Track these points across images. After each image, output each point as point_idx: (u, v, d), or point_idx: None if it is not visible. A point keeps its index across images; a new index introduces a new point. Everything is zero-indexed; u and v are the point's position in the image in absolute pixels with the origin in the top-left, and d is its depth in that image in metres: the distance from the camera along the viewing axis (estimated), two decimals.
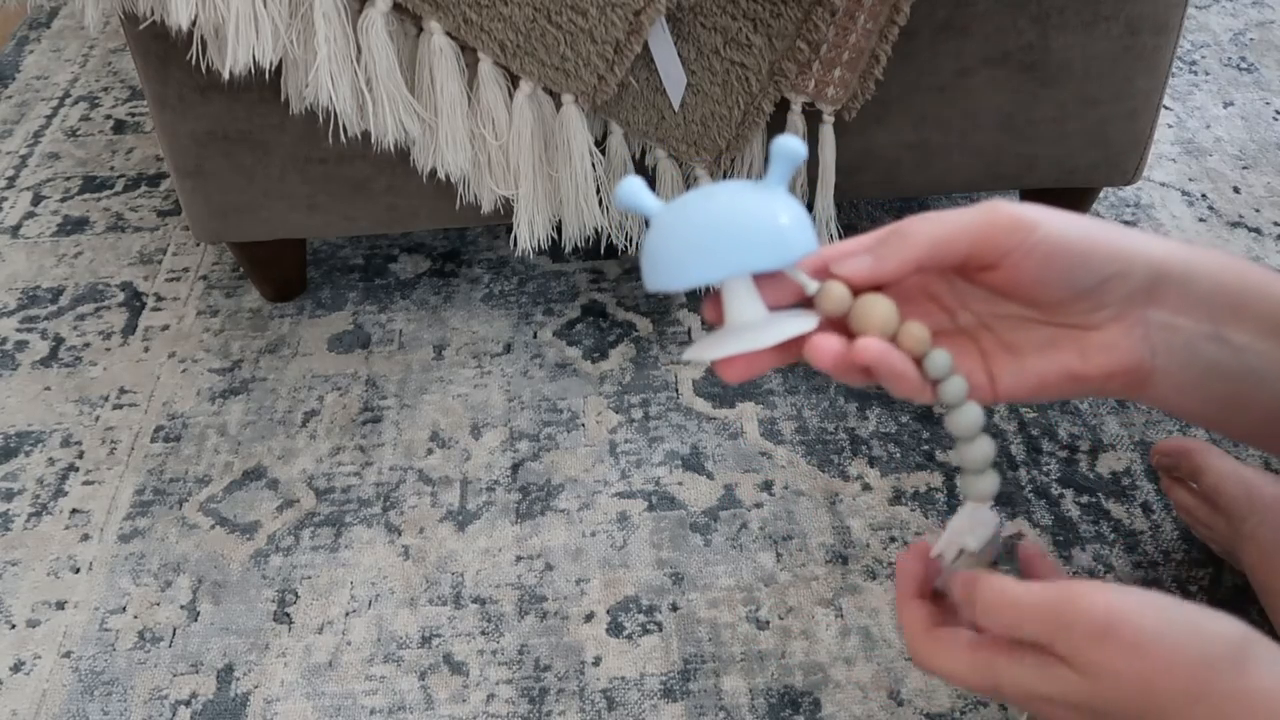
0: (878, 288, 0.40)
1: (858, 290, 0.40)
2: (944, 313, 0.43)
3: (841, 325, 0.40)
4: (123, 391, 0.95)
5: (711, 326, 0.42)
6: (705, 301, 0.41)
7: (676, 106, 0.82)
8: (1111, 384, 0.41)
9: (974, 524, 0.42)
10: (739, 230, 0.38)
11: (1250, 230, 1.08)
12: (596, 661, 0.74)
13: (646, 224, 0.43)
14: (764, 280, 0.40)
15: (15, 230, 1.14)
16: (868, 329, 0.39)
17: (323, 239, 1.10)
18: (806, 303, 0.41)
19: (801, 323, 0.39)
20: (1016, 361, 0.42)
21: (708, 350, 0.40)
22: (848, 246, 0.40)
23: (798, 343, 0.39)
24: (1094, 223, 0.39)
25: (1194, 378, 0.40)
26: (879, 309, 0.39)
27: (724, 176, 0.88)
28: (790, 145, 0.39)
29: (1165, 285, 0.39)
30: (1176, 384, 0.41)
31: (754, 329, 0.39)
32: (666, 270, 0.39)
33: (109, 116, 1.30)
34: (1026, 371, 0.41)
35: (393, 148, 0.81)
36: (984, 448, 0.41)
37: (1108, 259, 0.39)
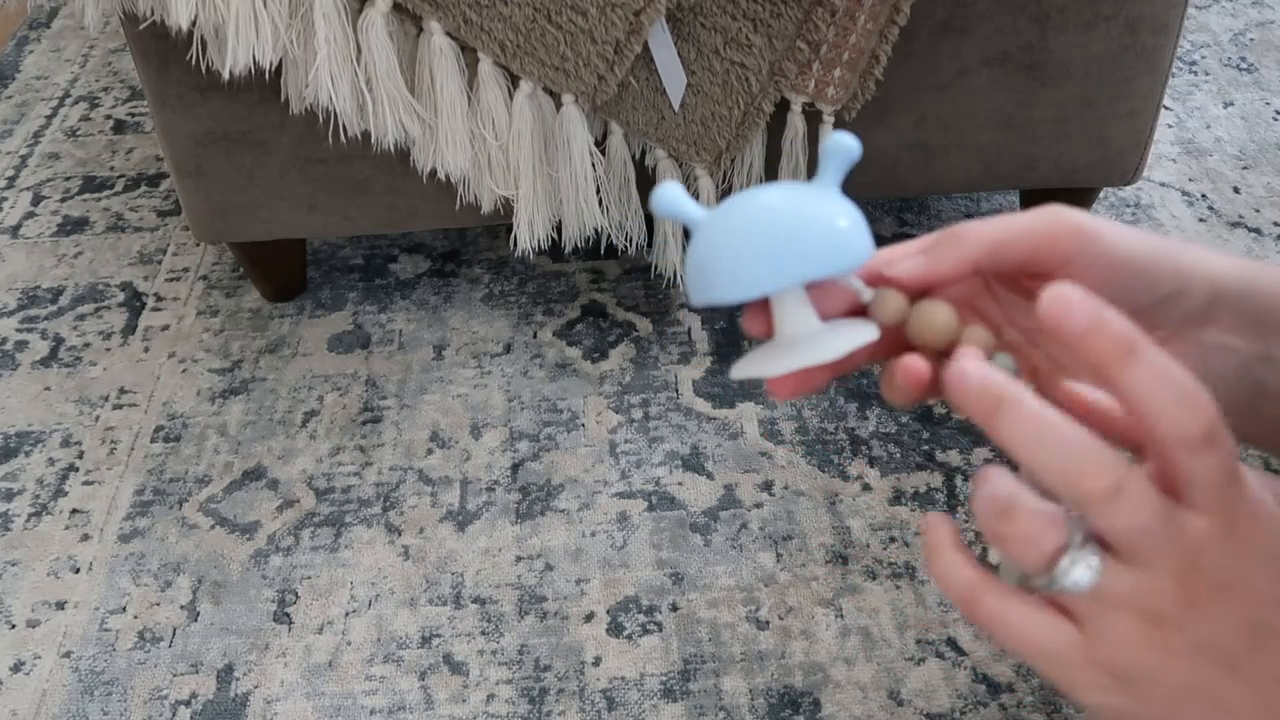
0: (926, 292, 0.39)
1: (912, 294, 0.38)
2: (990, 328, 0.41)
3: (897, 333, 0.38)
4: (123, 391, 0.95)
5: (757, 340, 0.39)
6: (747, 313, 0.39)
7: (676, 106, 0.82)
8: None
9: None
10: (796, 236, 0.35)
11: (1250, 230, 1.08)
12: (596, 661, 0.74)
13: (686, 233, 0.41)
14: (812, 288, 0.38)
15: (15, 230, 1.14)
16: (928, 336, 0.37)
17: (323, 239, 1.10)
18: (858, 310, 0.39)
19: (862, 332, 0.37)
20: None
21: (763, 366, 0.37)
22: (899, 250, 0.39)
23: (852, 354, 0.37)
24: (1155, 237, 0.38)
25: (1243, 399, 0.39)
26: (940, 315, 0.37)
27: (724, 177, 0.88)
28: (844, 142, 0.36)
29: (1221, 305, 0.38)
30: (1225, 405, 0.40)
31: (811, 342, 0.37)
32: (718, 283, 0.36)
33: (109, 116, 1.30)
34: (1079, 393, 0.39)
35: (393, 148, 0.81)
36: None
37: (1169, 276, 0.37)
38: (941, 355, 0.38)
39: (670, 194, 0.37)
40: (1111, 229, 0.37)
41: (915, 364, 0.36)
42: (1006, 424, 0.31)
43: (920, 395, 0.37)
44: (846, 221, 0.36)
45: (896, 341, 0.38)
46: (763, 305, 0.38)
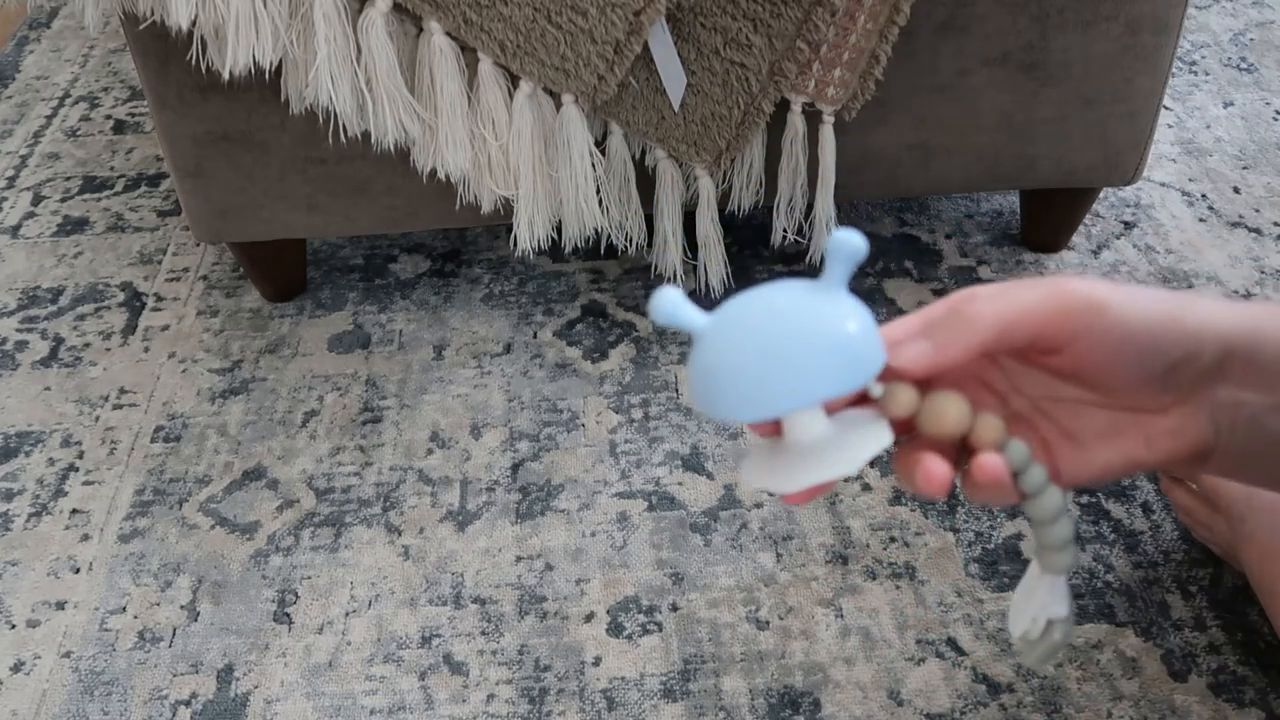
0: (927, 381, 0.38)
1: (919, 382, 0.37)
2: (995, 398, 0.41)
3: (907, 421, 0.37)
4: (123, 391, 0.95)
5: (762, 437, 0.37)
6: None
7: (676, 106, 0.82)
8: (1173, 464, 0.39)
9: (1055, 595, 0.40)
10: (811, 355, 0.34)
11: (1250, 230, 1.08)
12: (596, 661, 0.74)
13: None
14: None
15: (15, 230, 1.14)
16: (940, 430, 0.36)
17: (323, 239, 1.10)
18: (865, 400, 0.37)
19: (877, 436, 0.36)
20: (1079, 451, 0.39)
21: (778, 479, 0.36)
22: (900, 330, 0.37)
23: None
24: (1162, 299, 0.37)
25: (1257, 450, 0.39)
26: (952, 410, 0.36)
27: (724, 177, 0.88)
28: (849, 242, 0.34)
29: (1233, 361, 0.37)
30: (1238, 458, 0.39)
31: (824, 451, 0.35)
32: (730, 403, 0.35)
33: (109, 116, 1.30)
34: (1091, 462, 0.39)
35: (393, 148, 0.81)
36: (1066, 527, 0.39)
37: (1179, 340, 0.37)
38: (952, 444, 0.38)
39: (669, 301, 0.35)
40: (1120, 299, 0.36)
41: (938, 471, 0.35)
42: None
43: (937, 498, 0.36)
44: (859, 332, 0.35)
45: (906, 423, 0.37)
46: None
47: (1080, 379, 0.38)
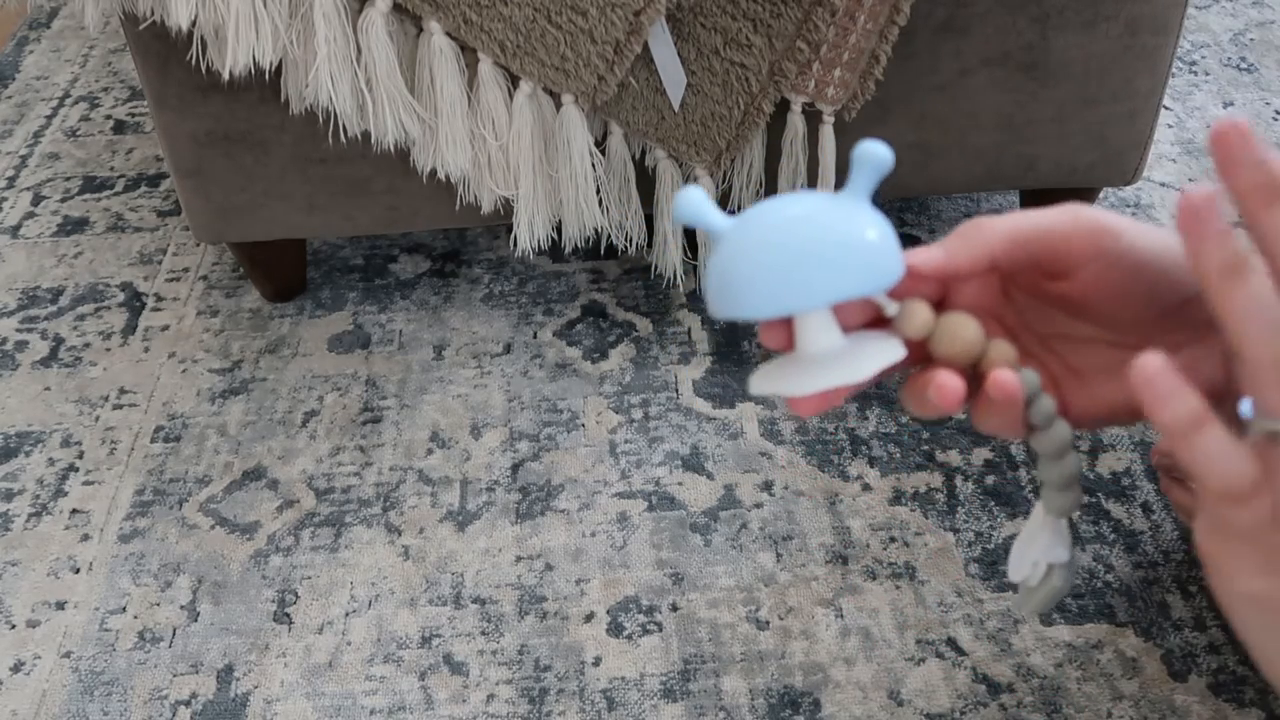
0: (945, 298, 0.38)
1: (932, 295, 0.37)
2: (1005, 334, 0.41)
3: (919, 343, 0.37)
4: (123, 391, 0.95)
5: (773, 352, 0.38)
6: (765, 327, 0.37)
7: (676, 106, 0.82)
8: None
9: (1058, 538, 0.40)
10: (827, 254, 0.34)
11: None
12: (596, 662, 0.74)
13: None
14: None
15: (15, 230, 1.14)
16: (953, 350, 0.36)
17: (323, 239, 1.10)
18: (879, 321, 0.38)
19: (888, 350, 0.36)
20: (1086, 389, 0.39)
21: (788, 384, 0.36)
22: (916, 250, 0.38)
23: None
24: (1177, 236, 0.37)
25: None
26: (966, 329, 0.36)
27: (724, 177, 0.88)
28: (875, 151, 0.35)
29: None
30: None
31: (836, 360, 0.36)
32: (744, 299, 0.35)
33: (109, 116, 1.30)
34: (1097, 400, 0.39)
35: (393, 148, 0.81)
36: (1072, 464, 0.39)
37: (1192, 274, 0.36)
38: (964, 368, 0.38)
39: (693, 200, 0.36)
40: (1134, 228, 0.36)
41: (951, 383, 0.35)
42: (1240, 292, 0.31)
43: (949, 412, 0.36)
44: (878, 238, 0.35)
45: (918, 351, 0.38)
46: (784, 319, 0.37)
47: (1090, 312, 0.38)
